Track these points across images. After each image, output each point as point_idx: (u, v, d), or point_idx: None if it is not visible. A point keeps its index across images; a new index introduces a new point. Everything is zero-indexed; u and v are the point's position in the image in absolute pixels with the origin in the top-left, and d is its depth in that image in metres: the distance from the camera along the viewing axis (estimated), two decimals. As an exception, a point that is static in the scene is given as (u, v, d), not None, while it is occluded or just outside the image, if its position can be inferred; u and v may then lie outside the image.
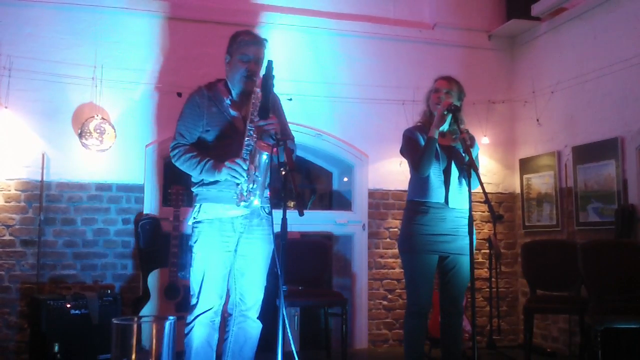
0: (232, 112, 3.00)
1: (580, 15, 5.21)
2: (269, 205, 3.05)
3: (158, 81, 5.04)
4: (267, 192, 2.99)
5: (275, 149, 2.79)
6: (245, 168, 2.82)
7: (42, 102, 4.80)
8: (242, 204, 2.85)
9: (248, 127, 2.88)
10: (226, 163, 2.83)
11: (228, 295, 3.05)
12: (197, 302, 2.91)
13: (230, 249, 2.94)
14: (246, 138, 2.87)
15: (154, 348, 1.36)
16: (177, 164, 3.01)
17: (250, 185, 2.83)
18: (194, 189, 3.03)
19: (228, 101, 3.01)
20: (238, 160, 2.83)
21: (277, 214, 2.63)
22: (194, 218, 2.99)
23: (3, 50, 4.68)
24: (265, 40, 3.07)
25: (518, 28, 5.80)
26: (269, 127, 2.83)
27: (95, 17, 4.98)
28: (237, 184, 2.85)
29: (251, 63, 2.97)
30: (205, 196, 2.96)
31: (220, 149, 2.93)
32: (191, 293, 2.97)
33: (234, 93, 3.04)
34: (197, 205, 2.99)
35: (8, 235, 4.68)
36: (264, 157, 2.83)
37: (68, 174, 4.83)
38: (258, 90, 2.89)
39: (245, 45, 2.99)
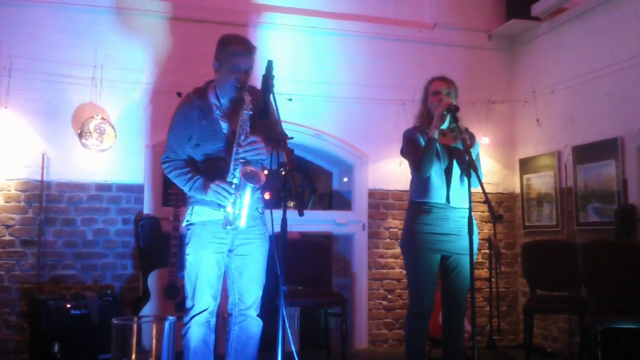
0: (222, 124, 2.97)
1: (580, 15, 5.21)
2: (262, 205, 3.06)
3: (158, 81, 5.04)
4: (258, 193, 3.01)
5: (263, 178, 2.82)
6: (232, 193, 2.83)
7: (42, 102, 4.80)
8: (228, 227, 2.87)
9: (234, 150, 2.85)
10: (212, 186, 2.84)
11: (227, 296, 3.05)
12: (193, 303, 2.92)
13: (224, 250, 2.94)
14: (233, 162, 2.85)
15: (154, 348, 1.36)
16: (169, 177, 3.03)
17: (236, 211, 2.85)
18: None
19: (218, 112, 2.98)
20: (224, 185, 2.82)
21: (277, 214, 2.63)
22: (187, 220, 2.99)
23: (3, 50, 4.68)
24: (255, 47, 3.00)
25: (518, 28, 5.80)
26: (254, 155, 2.86)
27: (95, 17, 4.98)
28: (223, 206, 2.86)
29: (241, 74, 2.92)
30: (198, 199, 2.95)
31: (211, 162, 2.94)
32: (186, 295, 2.97)
33: (223, 101, 3.01)
34: (190, 207, 3.00)
35: (8, 235, 4.68)
36: (248, 187, 2.85)
37: (68, 174, 4.83)
38: (246, 113, 2.83)
39: (235, 56, 2.92)
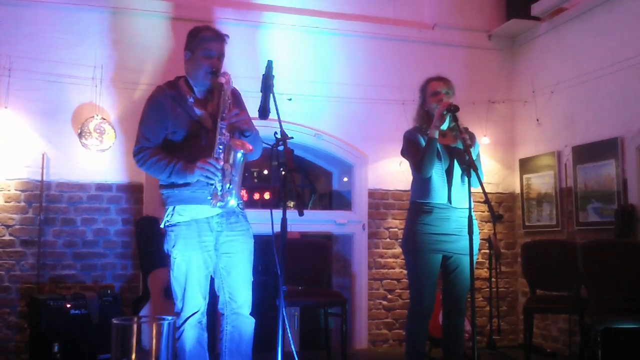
0: (197, 111, 2.93)
1: (580, 15, 5.21)
2: (242, 201, 3.00)
3: (158, 81, 5.00)
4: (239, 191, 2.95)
5: (251, 147, 2.79)
6: (220, 167, 2.76)
7: (42, 102, 4.80)
8: (218, 204, 2.78)
9: (219, 125, 2.80)
10: (198, 163, 2.75)
11: (217, 295, 3.03)
12: (183, 305, 2.88)
13: (210, 249, 2.90)
14: (218, 136, 2.79)
15: (153, 348, 1.36)
16: (143, 169, 2.93)
17: (227, 185, 2.77)
18: (164, 191, 2.94)
19: (191, 99, 2.94)
20: (210, 160, 2.75)
21: (277, 214, 2.62)
22: (168, 222, 2.91)
23: (3, 50, 4.68)
24: (227, 36, 3.00)
25: (518, 28, 5.80)
26: (241, 122, 2.82)
27: (95, 17, 4.98)
28: (211, 184, 2.78)
29: (214, 59, 2.92)
30: (179, 198, 2.88)
31: (189, 150, 2.86)
32: (174, 297, 2.92)
33: (196, 90, 2.98)
34: (170, 207, 2.91)
35: (8, 235, 4.68)
36: (239, 155, 2.80)
37: (68, 174, 4.83)
38: (226, 87, 2.86)
39: (207, 41, 2.93)
